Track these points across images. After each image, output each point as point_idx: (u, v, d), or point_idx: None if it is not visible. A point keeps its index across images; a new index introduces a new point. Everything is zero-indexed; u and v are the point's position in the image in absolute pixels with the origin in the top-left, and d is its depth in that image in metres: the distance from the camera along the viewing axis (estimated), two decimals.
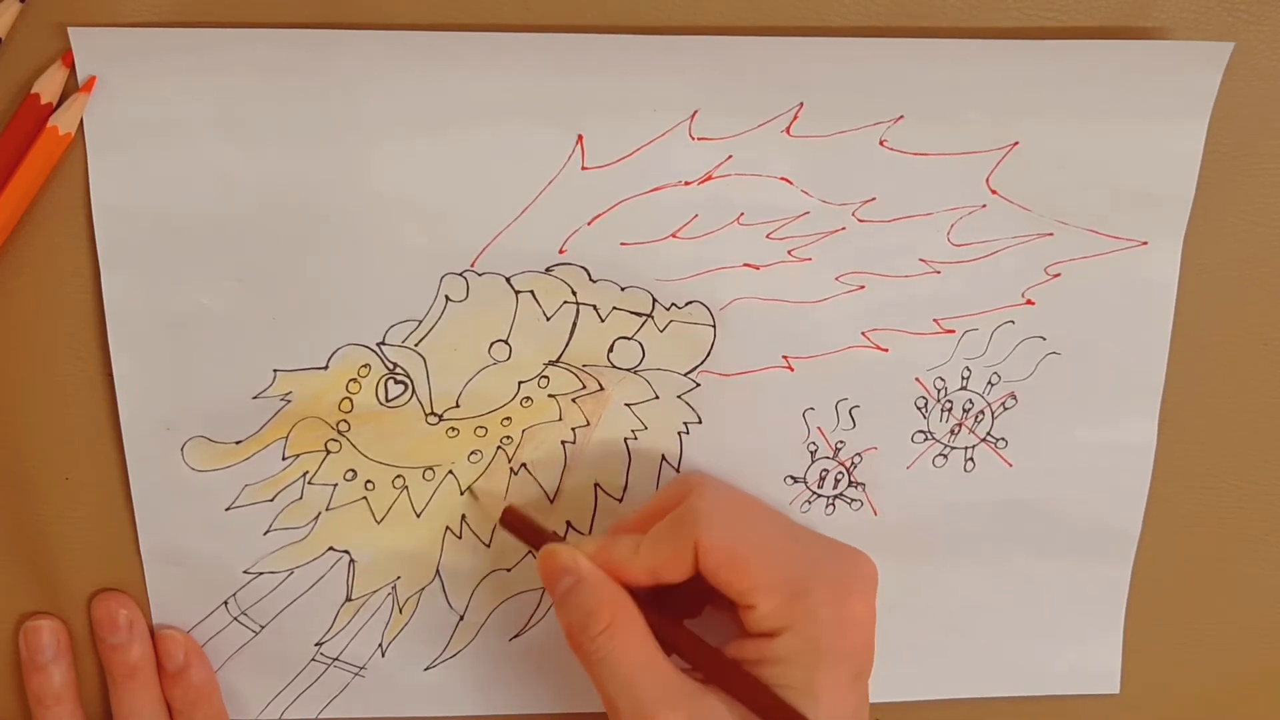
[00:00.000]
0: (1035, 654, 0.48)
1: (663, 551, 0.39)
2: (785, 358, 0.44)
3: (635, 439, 0.44)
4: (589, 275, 0.42)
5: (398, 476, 0.44)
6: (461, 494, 0.44)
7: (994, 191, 0.42)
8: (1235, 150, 0.43)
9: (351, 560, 0.45)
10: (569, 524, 0.45)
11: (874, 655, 0.40)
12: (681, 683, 0.38)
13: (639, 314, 0.43)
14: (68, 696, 0.44)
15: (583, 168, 0.41)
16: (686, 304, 0.42)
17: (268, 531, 0.44)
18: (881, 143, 0.41)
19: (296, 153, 0.39)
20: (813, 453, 0.45)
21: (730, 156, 0.41)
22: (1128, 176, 0.42)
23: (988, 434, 0.45)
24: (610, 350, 0.43)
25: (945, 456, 0.45)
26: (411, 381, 0.42)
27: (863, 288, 0.43)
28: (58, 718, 0.44)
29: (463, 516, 0.44)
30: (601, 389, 0.43)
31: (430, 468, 0.44)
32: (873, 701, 0.48)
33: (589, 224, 0.41)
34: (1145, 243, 0.43)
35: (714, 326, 0.43)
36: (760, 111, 0.41)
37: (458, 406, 0.43)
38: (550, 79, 0.39)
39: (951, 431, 0.45)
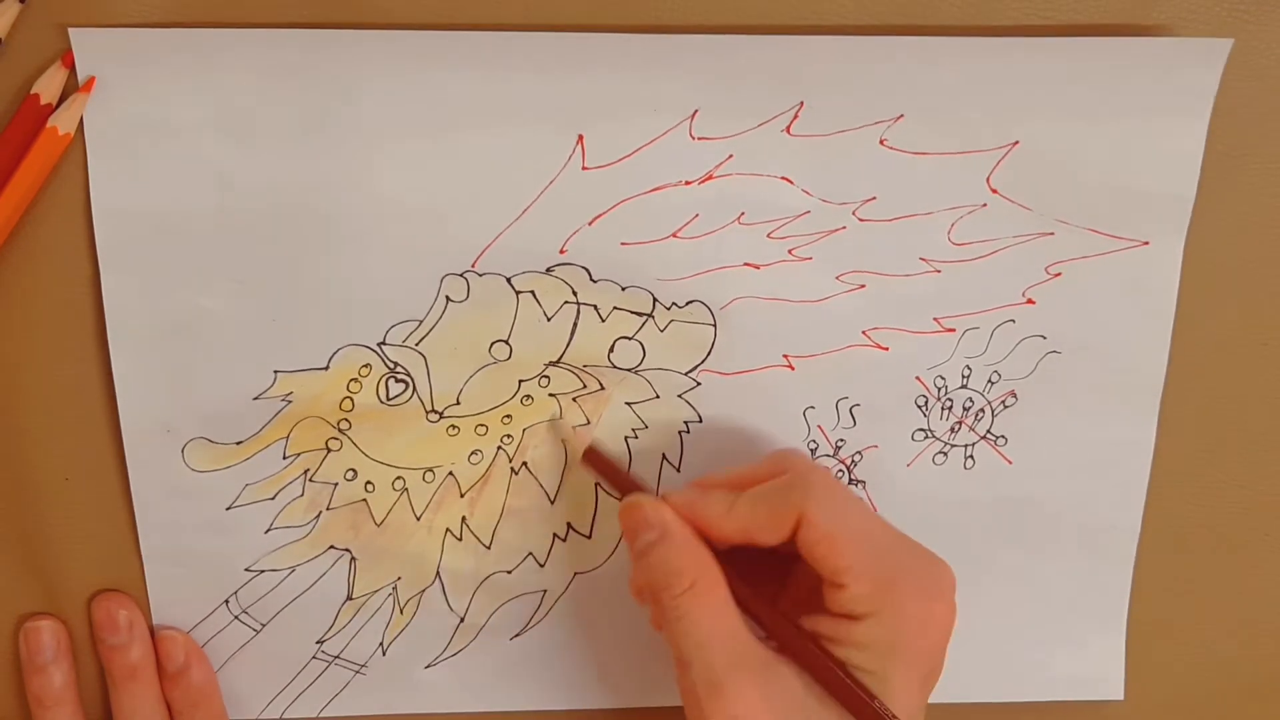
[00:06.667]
0: (1036, 657, 0.48)
1: (762, 513, 0.38)
2: (786, 356, 0.44)
3: (636, 438, 0.44)
4: (589, 275, 0.42)
5: (398, 478, 0.44)
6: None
7: (994, 191, 0.42)
8: (1235, 150, 0.43)
9: (353, 558, 0.45)
10: (569, 525, 0.45)
11: (943, 664, 0.39)
12: (756, 650, 0.38)
13: (639, 314, 0.42)
14: (68, 697, 0.44)
15: (583, 168, 0.40)
16: (687, 303, 0.42)
17: (269, 529, 0.44)
18: (882, 142, 0.41)
19: (296, 153, 0.39)
20: (813, 451, 0.45)
21: (731, 156, 0.41)
22: (1129, 175, 0.42)
23: (988, 432, 0.45)
24: (611, 350, 0.43)
25: (945, 454, 0.45)
26: (412, 380, 0.42)
27: (863, 287, 0.43)
28: (57, 719, 0.44)
29: (463, 519, 0.44)
30: (602, 388, 0.43)
31: (430, 469, 0.44)
32: None
33: (589, 224, 0.41)
34: (1146, 242, 0.43)
35: (714, 326, 0.43)
36: (760, 111, 0.40)
37: (458, 404, 0.43)
38: (550, 79, 0.39)
39: (952, 430, 0.45)
